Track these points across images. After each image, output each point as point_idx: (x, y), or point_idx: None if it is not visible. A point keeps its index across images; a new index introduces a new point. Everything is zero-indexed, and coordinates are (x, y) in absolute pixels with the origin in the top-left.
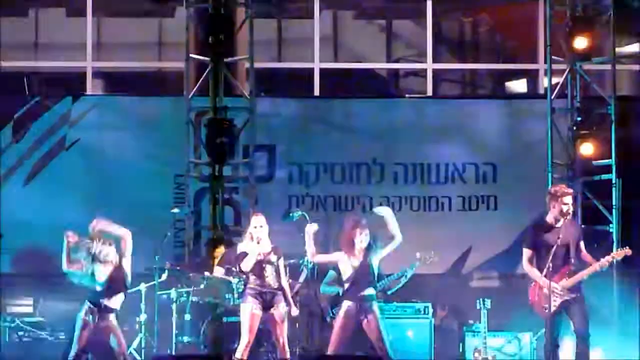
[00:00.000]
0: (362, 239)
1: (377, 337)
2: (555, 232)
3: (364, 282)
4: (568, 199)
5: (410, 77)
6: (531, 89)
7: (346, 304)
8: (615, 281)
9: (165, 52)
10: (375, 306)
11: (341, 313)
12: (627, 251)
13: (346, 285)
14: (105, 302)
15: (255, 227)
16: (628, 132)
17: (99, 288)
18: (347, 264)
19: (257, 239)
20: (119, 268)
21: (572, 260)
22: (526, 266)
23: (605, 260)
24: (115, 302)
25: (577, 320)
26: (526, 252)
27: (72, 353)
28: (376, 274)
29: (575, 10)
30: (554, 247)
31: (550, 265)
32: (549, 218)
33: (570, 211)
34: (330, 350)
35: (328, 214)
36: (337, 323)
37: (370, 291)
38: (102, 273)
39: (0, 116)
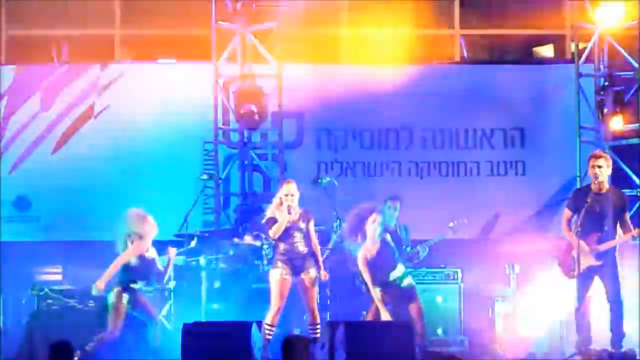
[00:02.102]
0: (374, 227)
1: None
2: (592, 197)
3: (388, 266)
4: (597, 162)
5: (438, 42)
6: (558, 54)
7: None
8: None
9: (193, 19)
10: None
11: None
12: None
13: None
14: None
15: (287, 195)
16: None
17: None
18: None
19: (287, 207)
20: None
21: (606, 228)
22: (562, 225)
23: (635, 232)
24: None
25: (608, 286)
26: (565, 212)
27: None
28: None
29: None
30: (585, 211)
31: (579, 229)
32: (591, 182)
33: (599, 175)
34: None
35: (357, 179)
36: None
37: (397, 273)
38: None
39: (29, 84)
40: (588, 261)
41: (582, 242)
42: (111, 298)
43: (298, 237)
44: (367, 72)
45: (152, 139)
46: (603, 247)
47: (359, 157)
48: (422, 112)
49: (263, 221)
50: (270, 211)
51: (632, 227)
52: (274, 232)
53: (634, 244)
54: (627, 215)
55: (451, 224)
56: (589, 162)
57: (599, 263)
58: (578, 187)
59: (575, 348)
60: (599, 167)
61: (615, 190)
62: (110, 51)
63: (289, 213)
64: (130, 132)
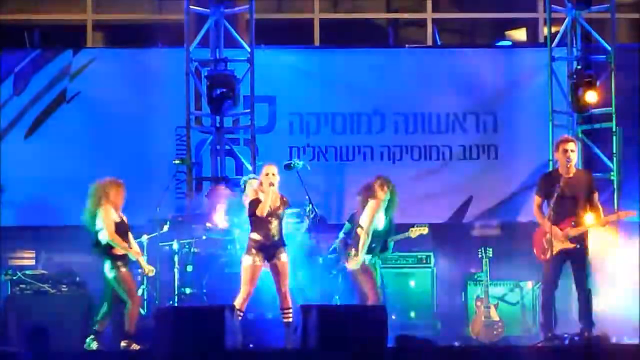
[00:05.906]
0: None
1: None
2: (563, 181)
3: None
4: (568, 146)
5: (410, 26)
6: (531, 38)
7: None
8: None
9: (165, 3)
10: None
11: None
12: (632, 213)
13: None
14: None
15: (267, 175)
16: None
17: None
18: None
19: (269, 184)
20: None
21: (579, 211)
22: (535, 211)
23: (609, 218)
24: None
25: (577, 272)
26: (535, 199)
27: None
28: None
29: None
30: (558, 196)
31: (552, 213)
32: (559, 167)
33: (571, 159)
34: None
35: (329, 164)
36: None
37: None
38: None
39: (1, 69)
40: (562, 244)
41: (554, 227)
42: (109, 273)
43: (274, 223)
44: (338, 56)
45: (124, 124)
46: (575, 231)
47: (331, 142)
48: (394, 96)
49: (246, 203)
50: (252, 193)
51: (601, 209)
52: (261, 210)
53: (633, 226)
54: (597, 197)
55: (412, 229)
56: (559, 147)
57: (573, 246)
58: (545, 172)
59: (540, 331)
60: (572, 150)
61: (584, 172)
62: (82, 36)
63: (271, 185)
64: (103, 118)
